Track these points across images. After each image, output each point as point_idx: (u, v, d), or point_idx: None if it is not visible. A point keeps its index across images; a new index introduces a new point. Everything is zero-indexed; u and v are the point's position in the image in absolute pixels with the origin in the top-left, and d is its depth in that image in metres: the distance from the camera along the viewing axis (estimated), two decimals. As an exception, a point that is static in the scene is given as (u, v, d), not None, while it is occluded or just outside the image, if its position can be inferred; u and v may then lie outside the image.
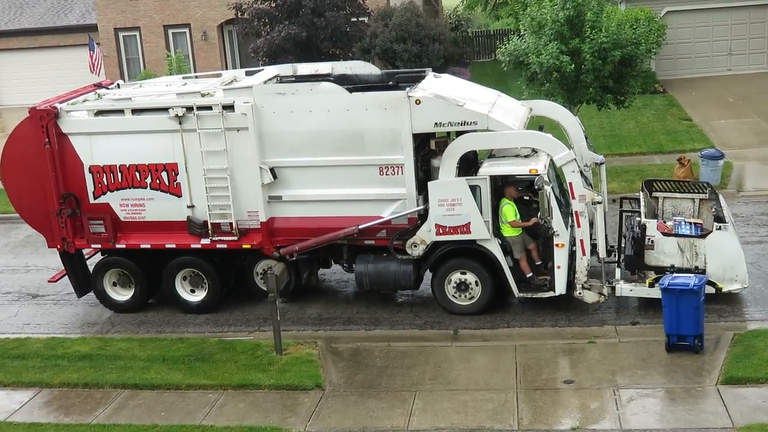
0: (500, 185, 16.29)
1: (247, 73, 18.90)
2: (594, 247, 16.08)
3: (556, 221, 15.59)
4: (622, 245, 16.68)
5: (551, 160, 15.96)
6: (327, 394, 14.19)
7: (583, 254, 15.67)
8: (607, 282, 15.95)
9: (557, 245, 15.65)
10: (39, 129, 17.06)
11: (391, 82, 18.11)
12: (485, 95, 17.50)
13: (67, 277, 18.37)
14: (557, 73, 22.58)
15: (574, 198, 15.54)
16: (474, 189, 15.78)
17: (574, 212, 15.59)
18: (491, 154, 16.69)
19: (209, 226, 16.90)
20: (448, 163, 15.86)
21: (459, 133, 16.25)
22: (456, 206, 15.79)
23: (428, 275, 16.93)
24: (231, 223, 16.81)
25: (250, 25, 31.78)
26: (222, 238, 16.92)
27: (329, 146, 16.16)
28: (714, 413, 12.68)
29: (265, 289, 16.94)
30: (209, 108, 16.51)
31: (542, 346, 15.20)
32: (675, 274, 14.85)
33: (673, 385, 13.61)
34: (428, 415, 13.32)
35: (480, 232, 15.88)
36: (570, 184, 15.54)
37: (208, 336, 16.69)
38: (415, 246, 16.19)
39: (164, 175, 16.95)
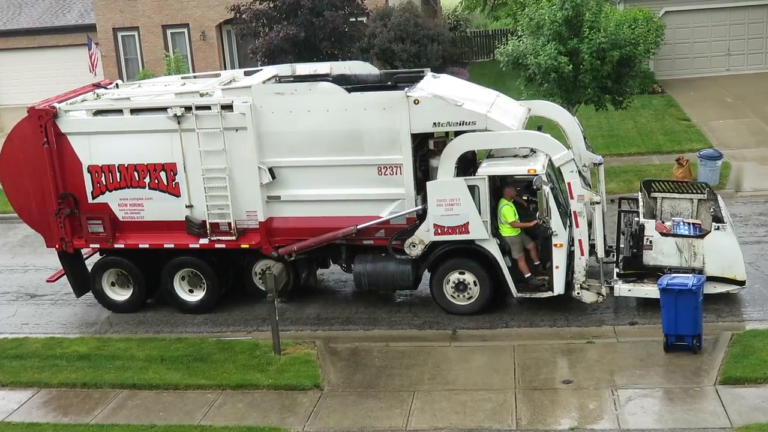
0: (499, 185, 16.30)
1: (246, 73, 18.91)
2: (592, 247, 16.10)
3: (555, 221, 15.60)
4: (621, 245, 16.69)
5: (550, 160, 15.97)
6: (325, 394, 14.19)
7: (582, 254, 15.68)
8: (606, 282, 15.96)
9: (556, 245, 15.65)
10: (37, 129, 17.05)
11: (389, 82, 18.12)
12: (484, 95, 17.51)
13: (65, 276, 18.37)
14: (555, 74, 22.58)
15: (572, 198, 15.55)
16: (472, 189, 15.79)
17: (572, 212, 15.61)
18: (490, 154, 16.70)
19: (208, 226, 16.90)
20: (446, 163, 15.87)
21: (457, 133, 16.25)
22: (454, 206, 15.80)
23: (427, 275, 16.94)
24: (229, 223, 16.81)
25: (248, 26, 31.78)
26: (220, 237, 16.92)
27: (328, 146, 16.16)
28: (712, 413, 12.69)
29: (263, 289, 16.95)
30: (208, 108, 16.50)
31: (540, 346, 15.21)
32: (673, 274, 14.87)
33: (671, 385, 13.62)
34: (427, 415, 13.33)
35: (478, 232, 15.89)
36: (568, 184, 15.55)
37: (206, 336, 16.70)
38: (414, 246, 16.19)
39: (163, 174, 16.95)
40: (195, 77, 20.66)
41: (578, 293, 15.88)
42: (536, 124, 17.53)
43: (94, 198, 17.37)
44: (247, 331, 16.83)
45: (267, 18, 31.17)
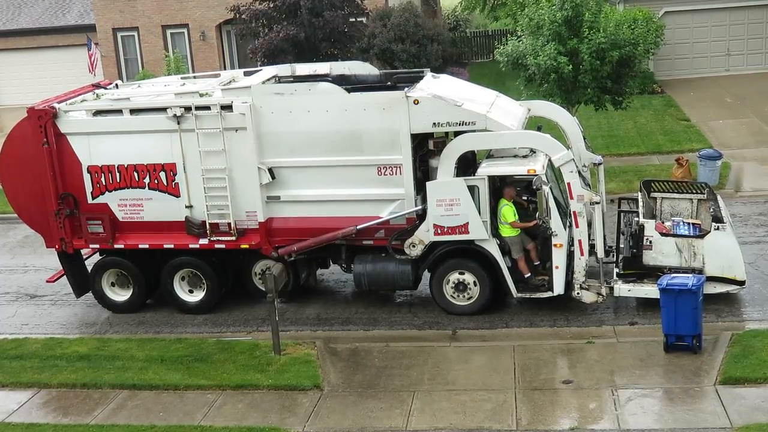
0: (499, 185, 16.30)
1: (246, 74, 18.91)
2: (592, 247, 16.10)
3: (555, 221, 15.60)
4: (620, 245, 16.68)
5: (549, 160, 15.97)
6: (325, 394, 14.19)
7: (582, 254, 15.67)
8: (606, 282, 15.96)
9: (555, 245, 15.65)
10: (37, 129, 17.05)
11: (389, 83, 18.11)
12: (483, 95, 17.51)
13: (65, 277, 18.36)
14: (555, 74, 22.58)
15: (572, 198, 15.55)
16: (472, 189, 15.78)
17: (572, 212, 15.61)
18: (490, 155, 16.70)
19: (207, 226, 16.90)
20: (446, 163, 15.87)
21: (457, 134, 16.25)
22: (454, 206, 15.80)
23: (427, 275, 16.94)
24: (229, 224, 16.80)
25: (248, 26, 31.78)
26: (220, 238, 16.92)
27: (327, 146, 16.16)
28: (712, 413, 12.69)
29: (263, 289, 16.95)
30: (207, 108, 16.50)
31: (540, 346, 15.21)
32: (673, 274, 14.87)
33: (671, 385, 13.62)
34: (427, 415, 13.32)
35: (478, 232, 15.89)
36: (568, 184, 15.55)
37: (206, 336, 16.70)
38: (414, 246, 16.19)
39: (162, 175, 16.95)
40: (195, 77, 20.65)
41: (578, 293, 15.88)
42: (536, 124, 17.53)
43: (93, 198, 17.37)
44: (247, 332, 16.82)
45: (267, 18, 31.18)
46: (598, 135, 27.03)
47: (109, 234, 17.34)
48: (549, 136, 16.19)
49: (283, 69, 19.14)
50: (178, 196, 16.99)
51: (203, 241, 17.01)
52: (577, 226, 15.60)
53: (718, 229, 15.68)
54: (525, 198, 16.95)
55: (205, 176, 16.68)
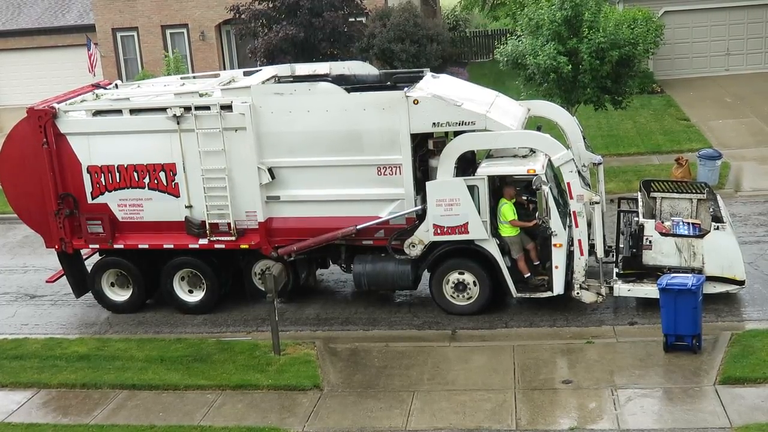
0: (498, 185, 16.31)
1: (245, 74, 18.91)
2: (592, 247, 16.10)
3: (554, 221, 15.60)
4: (620, 245, 16.69)
5: (549, 160, 15.98)
6: (325, 394, 14.20)
7: (581, 254, 15.68)
8: (605, 282, 15.96)
9: (555, 245, 15.65)
10: (37, 129, 17.05)
11: (389, 83, 18.12)
12: (483, 95, 17.51)
13: (65, 277, 18.36)
14: (554, 74, 22.58)
15: (572, 198, 15.56)
16: (472, 189, 15.79)
17: (572, 212, 15.61)
18: (489, 154, 16.70)
19: (207, 227, 16.90)
20: (446, 163, 15.87)
21: (457, 133, 16.25)
22: (454, 206, 15.80)
23: (426, 275, 16.94)
24: (229, 224, 16.80)
25: (247, 26, 31.79)
26: (220, 238, 16.92)
27: (327, 146, 16.17)
28: (712, 413, 12.70)
29: (263, 289, 16.95)
30: (207, 108, 16.50)
31: (540, 346, 15.21)
32: (673, 274, 14.87)
33: (671, 385, 13.63)
34: (426, 415, 13.33)
35: (478, 232, 15.89)
36: (568, 184, 15.55)
37: (206, 336, 16.70)
38: (413, 246, 16.19)
39: (162, 175, 16.95)
40: (194, 77, 20.66)
41: (578, 293, 15.89)
42: (536, 124, 17.53)
43: (93, 198, 17.37)
44: (246, 332, 16.82)
45: (266, 18, 31.19)
46: (597, 135, 27.03)
47: (108, 234, 17.34)
48: (549, 136, 16.19)
49: (283, 69, 19.14)
50: (177, 196, 16.99)
51: (203, 241, 17.01)
52: (576, 226, 15.60)
53: (717, 228, 15.68)
54: (525, 198, 16.95)
55: (205, 176, 16.68)
